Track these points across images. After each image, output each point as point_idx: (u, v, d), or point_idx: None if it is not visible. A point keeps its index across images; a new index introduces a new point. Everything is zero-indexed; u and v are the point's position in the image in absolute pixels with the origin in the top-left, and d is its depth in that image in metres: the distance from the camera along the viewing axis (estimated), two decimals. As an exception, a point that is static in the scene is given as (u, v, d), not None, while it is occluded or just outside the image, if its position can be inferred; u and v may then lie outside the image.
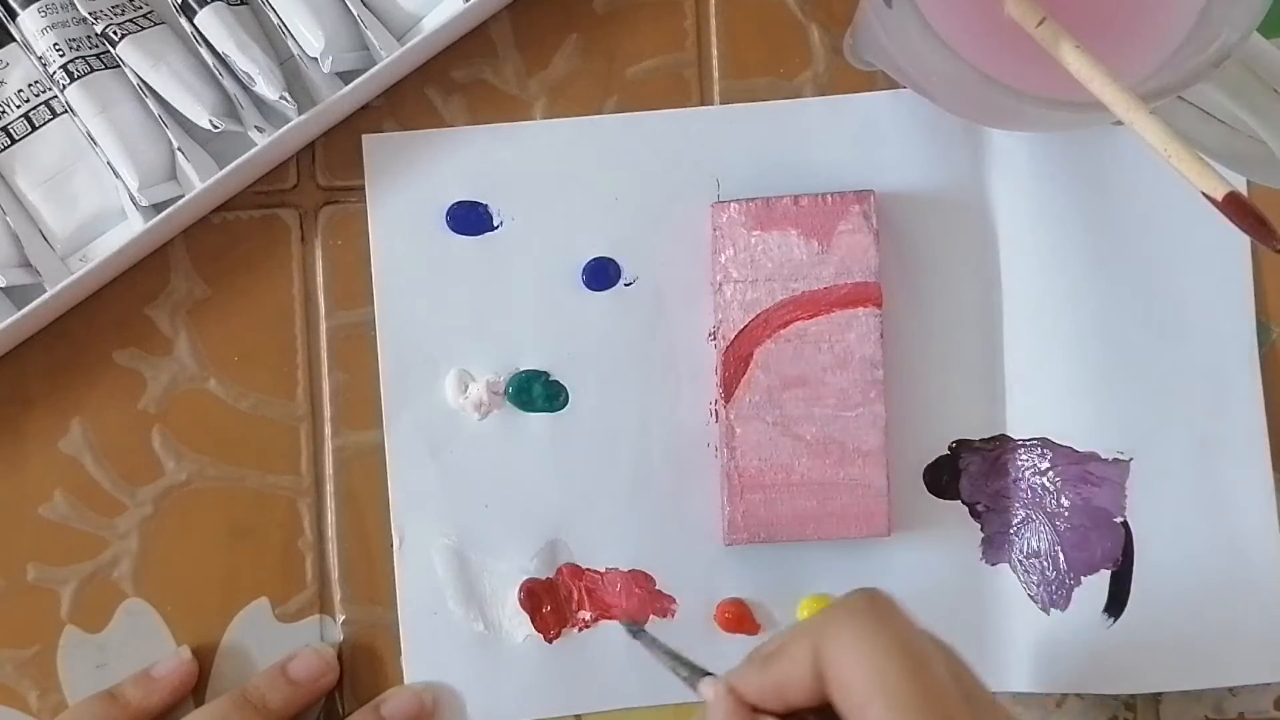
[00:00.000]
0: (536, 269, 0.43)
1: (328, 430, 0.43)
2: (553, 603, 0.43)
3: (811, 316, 0.41)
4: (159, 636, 0.43)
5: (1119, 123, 0.31)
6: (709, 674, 0.33)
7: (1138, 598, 0.42)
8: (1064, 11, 0.33)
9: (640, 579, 0.43)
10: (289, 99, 0.40)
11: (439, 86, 0.43)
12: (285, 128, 0.40)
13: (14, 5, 0.40)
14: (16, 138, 0.41)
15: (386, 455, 0.43)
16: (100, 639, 0.43)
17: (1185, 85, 0.33)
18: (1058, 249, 0.42)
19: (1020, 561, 0.42)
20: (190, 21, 0.40)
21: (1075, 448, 0.42)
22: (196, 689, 0.42)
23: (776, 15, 0.43)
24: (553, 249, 0.43)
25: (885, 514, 0.41)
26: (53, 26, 0.40)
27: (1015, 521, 0.43)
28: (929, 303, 0.43)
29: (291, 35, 0.40)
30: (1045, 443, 0.42)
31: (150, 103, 0.40)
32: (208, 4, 0.40)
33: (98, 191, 0.41)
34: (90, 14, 0.40)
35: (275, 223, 0.43)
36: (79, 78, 0.40)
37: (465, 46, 0.43)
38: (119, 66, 0.40)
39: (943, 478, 0.43)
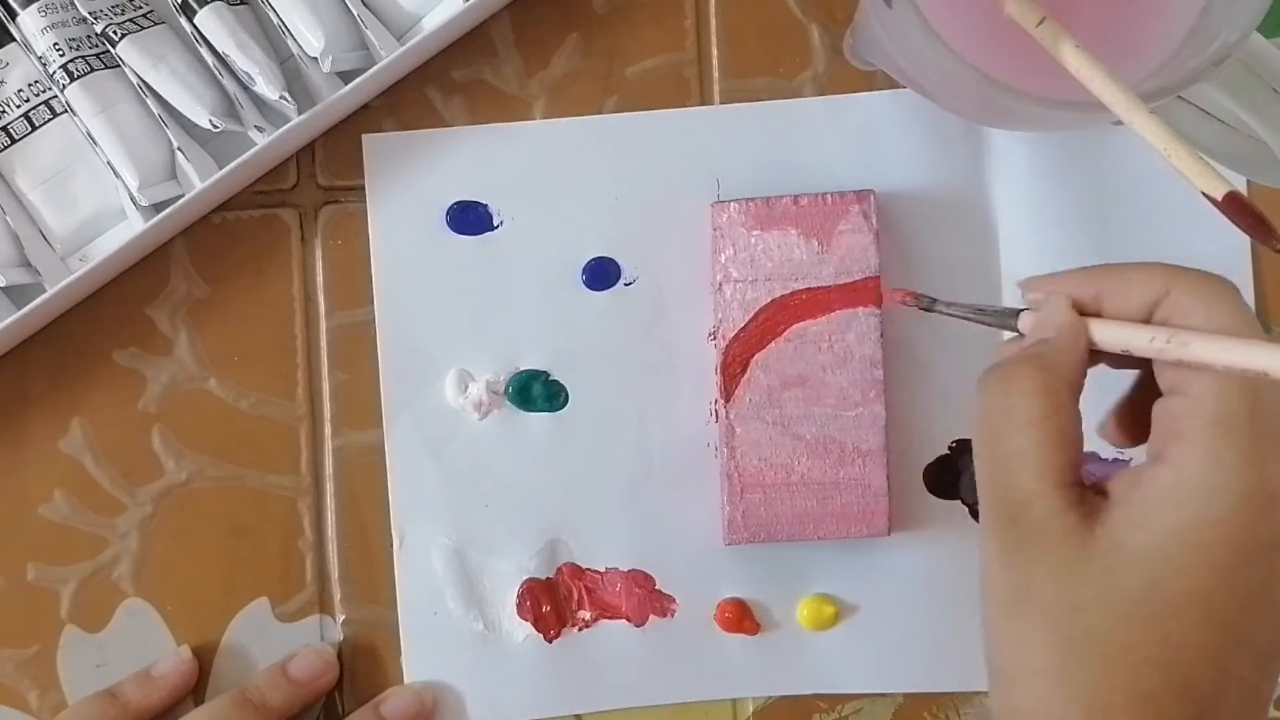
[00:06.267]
0: (536, 269, 0.43)
1: (328, 430, 0.43)
2: (553, 603, 0.43)
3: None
4: (159, 636, 0.43)
5: (1119, 123, 0.31)
6: (1022, 310, 0.32)
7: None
8: (1064, 11, 0.33)
9: (640, 579, 0.43)
10: (289, 99, 0.40)
11: (439, 86, 0.43)
12: (285, 127, 0.40)
13: (14, 5, 0.40)
14: (16, 138, 0.41)
15: (386, 455, 0.43)
16: (100, 639, 0.43)
17: (1185, 85, 0.33)
18: (1057, 249, 0.42)
19: (1020, 561, 0.42)
20: (190, 21, 0.40)
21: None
22: (196, 688, 0.42)
23: (776, 15, 0.43)
24: (553, 249, 0.43)
25: (885, 514, 0.41)
26: (53, 26, 0.40)
27: (1015, 521, 0.43)
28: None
29: (291, 35, 0.40)
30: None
31: (150, 103, 0.40)
32: (208, 4, 0.40)
33: (98, 191, 0.41)
34: (90, 14, 0.40)
35: (275, 223, 0.43)
36: (79, 77, 0.40)
37: (465, 46, 0.43)
38: (119, 66, 0.40)
39: (943, 478, 0.43)
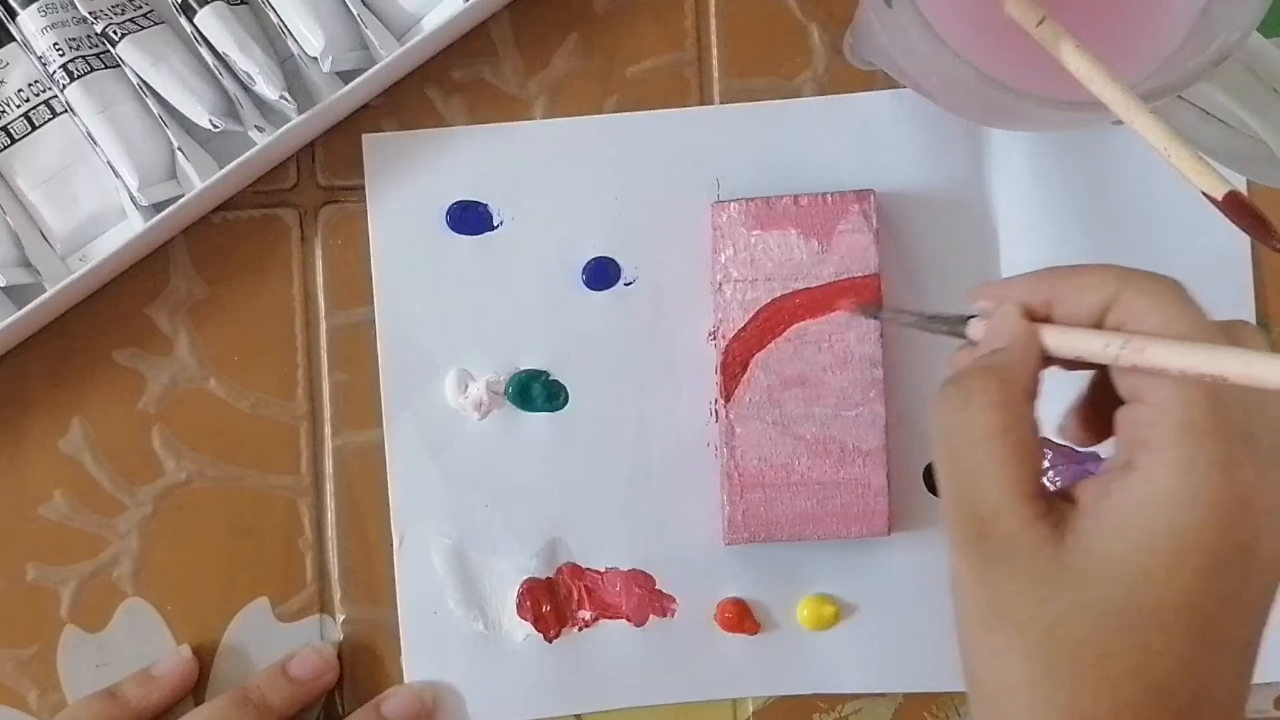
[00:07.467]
0: (536, 269, 0.43)
1: (328, 430, 0.43)
2: (552, 602, 0.43)
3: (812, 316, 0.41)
4: (159, 636, 0.43)
5: (1119, 123, 0.31)
6: (971, 316, 0.32)
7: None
8: (1064, 11, 0.33)
9: (640, 578, 0.43)
10: (289, 99, 0.40)
11: (439, 86, 0.43)
12: (285, 127, 0.40)
13: (14, 5, 0.40)
14: (16, 137, 0.41)
15: (386, 455, 0.43)
16: (100, 638, 0.43)
17: (1185, 85, 0.33)
18: (1057, 249, 0.42)
19: (1020, 561, 0.42)
20: (190, 21, 0.40)
21: (1075, 447, 0.42)
22: (196, 688, 0.42)
23: (776, 15, 0.43)
24: (553, 249, 0.43)
25: (885, 514, 0.41)
26: (53, 26, 0.40)
27: (1015, 521, 0.42)
28: (929, 302, 0.43)
29: (291, 35, 0.40)
30: (1045, 442, 0.42)
31: (150, 102, 0.40)
32: (208, 3, 0.40)
33: (98, 191, 0.41)
34: (90, 13, 0.40)
35: (275, 222, 0.43)
36: (79, 77, 0.40)
37: (465, 46, 0.43)
38: (119, 66, 0.40)
39: (943, 477, 0.43)
